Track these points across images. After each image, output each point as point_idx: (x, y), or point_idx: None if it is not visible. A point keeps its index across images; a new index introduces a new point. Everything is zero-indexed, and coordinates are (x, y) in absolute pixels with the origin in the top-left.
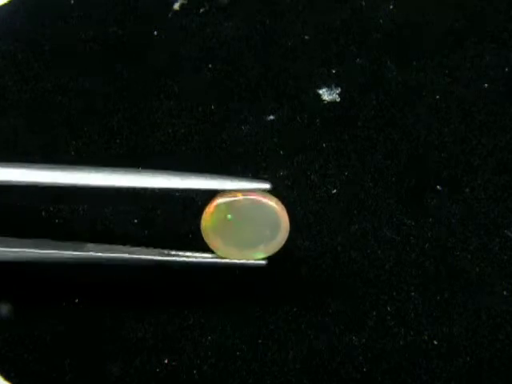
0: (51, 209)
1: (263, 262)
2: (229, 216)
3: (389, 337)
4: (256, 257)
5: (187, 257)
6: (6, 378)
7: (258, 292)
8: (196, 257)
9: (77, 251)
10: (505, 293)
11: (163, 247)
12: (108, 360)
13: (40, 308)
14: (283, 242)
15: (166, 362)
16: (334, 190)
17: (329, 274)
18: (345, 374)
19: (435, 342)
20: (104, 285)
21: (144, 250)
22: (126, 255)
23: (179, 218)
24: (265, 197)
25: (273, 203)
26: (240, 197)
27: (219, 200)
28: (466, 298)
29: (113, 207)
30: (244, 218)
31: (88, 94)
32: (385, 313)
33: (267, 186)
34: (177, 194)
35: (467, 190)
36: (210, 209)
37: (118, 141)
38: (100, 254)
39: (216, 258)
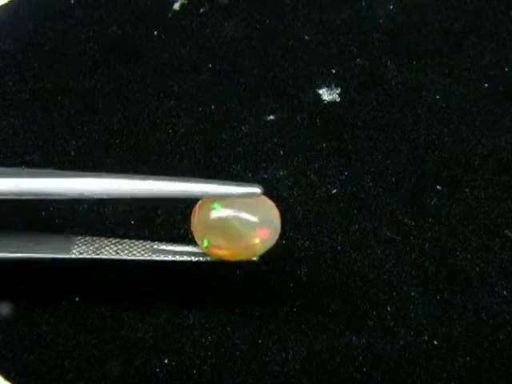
0: (51, 209)
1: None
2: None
3: (389, 337)
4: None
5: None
6: (6, 378)
7: (258, 292)
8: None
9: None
10: (505, 293)
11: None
12: (108, 360)
13: (40, 308)
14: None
15: (165, 362)
16: (334, 190)
17: (329, 274)
18: (345, 373)
19: (435, 342)
20: (104, 285)
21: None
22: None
23: (179, 217)
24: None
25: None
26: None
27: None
28: (466, 298)
29: (113, 207)
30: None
31: (88, 93)
32: (385, 313)
33: (258, 190)
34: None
35: (467, 190)
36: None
37: (117, 141)
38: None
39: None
